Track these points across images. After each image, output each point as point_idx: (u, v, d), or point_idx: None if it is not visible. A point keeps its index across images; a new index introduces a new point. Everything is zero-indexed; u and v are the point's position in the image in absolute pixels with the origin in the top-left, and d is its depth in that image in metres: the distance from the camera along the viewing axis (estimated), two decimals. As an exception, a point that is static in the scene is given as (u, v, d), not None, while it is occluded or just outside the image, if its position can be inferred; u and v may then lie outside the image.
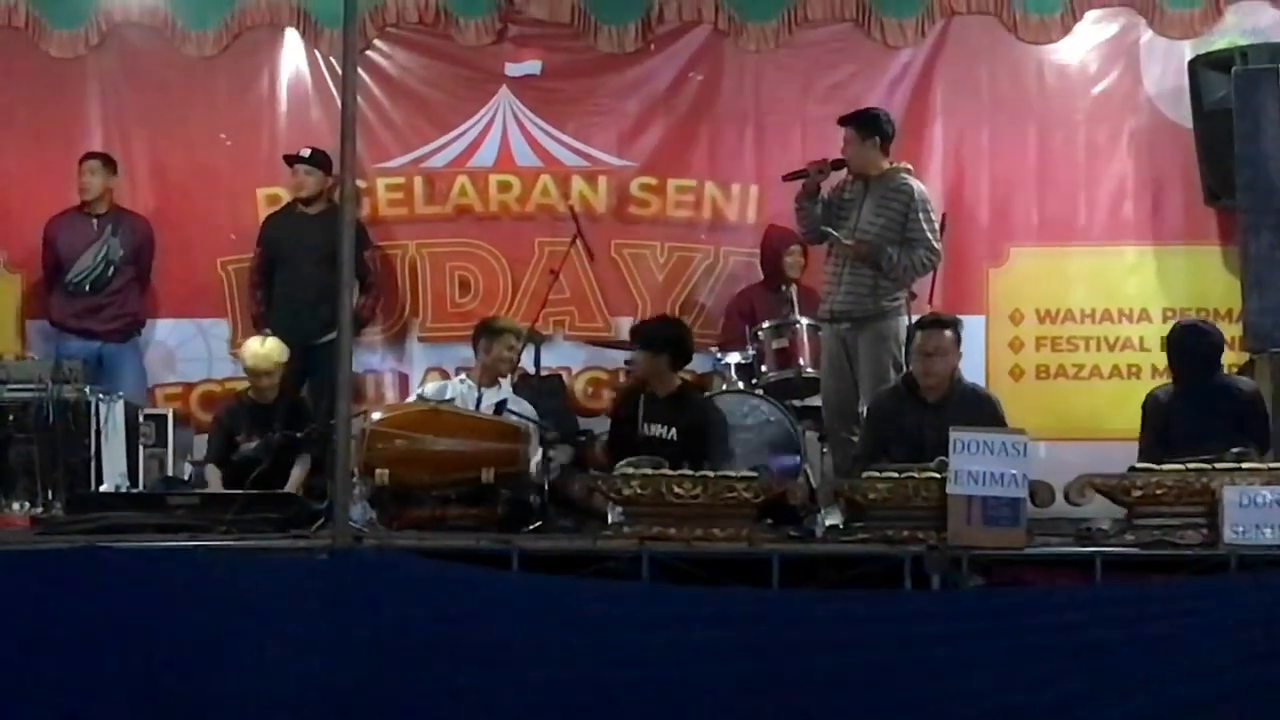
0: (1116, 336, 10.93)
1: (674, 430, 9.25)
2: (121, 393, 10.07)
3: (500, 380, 9.90)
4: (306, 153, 10.85)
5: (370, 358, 11.16)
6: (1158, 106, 10.97)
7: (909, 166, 9.68)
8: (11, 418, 8.91)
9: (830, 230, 9.37)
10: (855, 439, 9.14)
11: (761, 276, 10.81)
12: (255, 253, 11.00)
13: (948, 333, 8.72)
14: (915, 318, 9.19)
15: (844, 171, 9.55)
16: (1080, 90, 11.06)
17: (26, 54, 11.25)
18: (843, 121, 9.63)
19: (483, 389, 9.80)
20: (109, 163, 10.90)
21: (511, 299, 11.08)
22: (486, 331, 9.98)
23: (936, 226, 9.41)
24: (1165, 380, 9.48)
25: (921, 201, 9.35)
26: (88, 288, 10.74)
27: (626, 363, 10.52)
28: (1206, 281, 10.86)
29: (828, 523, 8.47)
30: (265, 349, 10.06)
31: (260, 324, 10.74)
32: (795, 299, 10.11)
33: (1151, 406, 9.04)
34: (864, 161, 9.48)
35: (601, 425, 10.12)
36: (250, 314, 10.96)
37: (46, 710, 6.87)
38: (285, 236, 10.88)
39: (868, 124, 9.52)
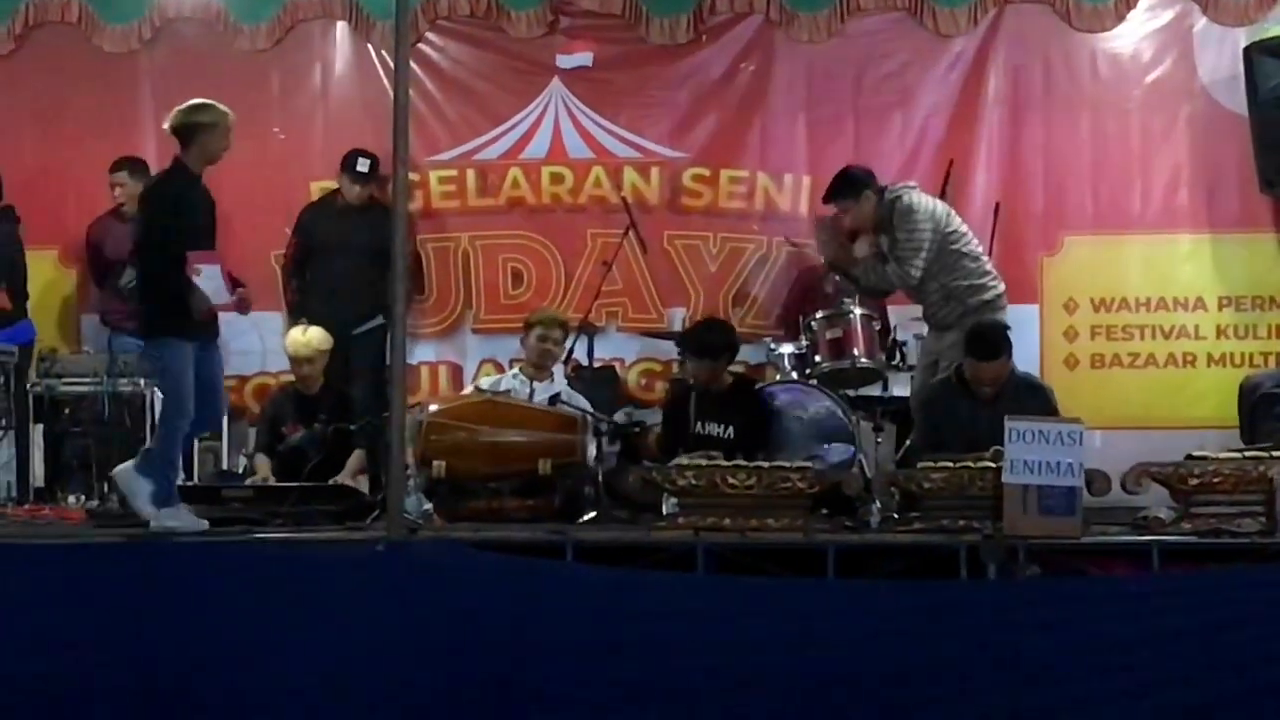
0: (1172, 325, 10.85)
1: (730, 429, 9.25)
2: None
3: (553, 373, 9.93)
4: (365, 167, 10.78)
5: (424, 349, 11.18)
6: (1212, 94, 10.87)
7: (910, 184, 9.73)
8: (67, 411, 8.93)
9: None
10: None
11: (817, 261, 10.69)
12: (291, 242, 11.01)
13: (999, 361, 8.68)
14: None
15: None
16: (1134, 78, 10.97)
17: (79, 49, 11.30)
18: (826, 201, 9.82)
19: (534, 383, 9.82)
20: (137, 167, 10.66)
21: (564, 291, 11.04)
22: (527, 325, 10.06)
23: (923, 242, 9.40)
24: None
25: (901, 216, 9.44)
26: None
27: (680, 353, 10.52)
28: (1262, 269, 10.79)
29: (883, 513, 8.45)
30: (307, 336, 10.12)
31: (295, 313, 10.76)
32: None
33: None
34: (866, 218, 9.62)
35: (655, 416, 10.13)
36: (286, 303, 10.97)
37: (106, 702, 6.91)
38: (323, 226, 10.89)
39: (846, 187, 9.66)
